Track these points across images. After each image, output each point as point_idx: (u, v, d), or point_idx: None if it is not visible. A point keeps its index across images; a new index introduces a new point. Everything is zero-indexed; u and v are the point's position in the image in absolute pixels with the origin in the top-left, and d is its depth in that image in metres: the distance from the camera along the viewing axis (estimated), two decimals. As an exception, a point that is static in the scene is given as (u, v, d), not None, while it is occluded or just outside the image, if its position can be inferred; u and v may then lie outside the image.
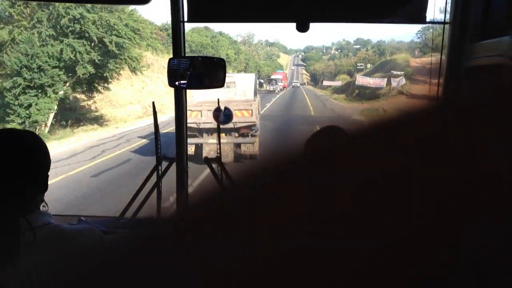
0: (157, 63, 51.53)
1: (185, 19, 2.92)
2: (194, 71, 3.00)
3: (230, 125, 14.40)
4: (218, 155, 3.69)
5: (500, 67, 2.27)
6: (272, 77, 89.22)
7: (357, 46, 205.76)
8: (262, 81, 75.83)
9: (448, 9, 2.69)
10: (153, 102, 3.74)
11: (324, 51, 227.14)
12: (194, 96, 15.08)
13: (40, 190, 1.80)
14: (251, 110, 15.65)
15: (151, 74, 47.40)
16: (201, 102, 14.88)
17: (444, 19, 2.70)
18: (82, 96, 32.09)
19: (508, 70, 2.14)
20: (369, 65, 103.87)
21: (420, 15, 2.75)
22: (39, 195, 1.80)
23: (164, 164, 3.47)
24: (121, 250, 0.26)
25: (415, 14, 2.77)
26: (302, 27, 2.83)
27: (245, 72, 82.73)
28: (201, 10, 2.89)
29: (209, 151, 14.71)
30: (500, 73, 2.29)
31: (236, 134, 15.56)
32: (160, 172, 3.50)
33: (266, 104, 41.19)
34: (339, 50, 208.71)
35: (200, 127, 14.74)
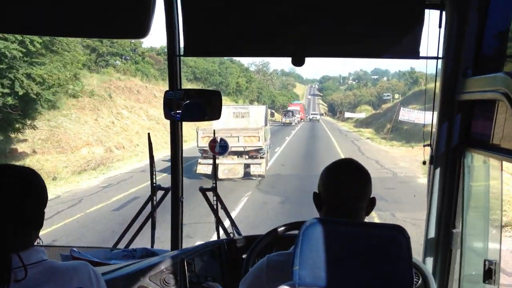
0: (145, 91, 47.13)
1: (181, 53, 3.03)
2: (190, 103, 3.10)
3: (241, 149, 20.07)
4: (214, 185, 3.74)
5: (493, 102, 2.34)
6: (289, 108, 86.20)
7: (375, 76, 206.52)
8: (273, 111, 73.17)
9: (441, 44, 2.78)
10: (148, 134, 3.83)
11: (341, 81, 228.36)
12: (213, 124, 20.11)
13: (35, 227, 1.82)
14: (259, 137, 20.41)
15: (133, 104, 42.51)
16: (218, 129, 19.40)
17: (437, 54, 2.79)
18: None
19: (502, 106, 2.21)
20: (397, 95, 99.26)
21: (413, 50, 2.84)
22: (34, 232, 1.83)
23: (159, 194, 3.56)
24: None
25: (409, 49, 2.86)
26: (298, 62, 2.94)
27: (258, 102, 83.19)
28: (197, 44, 3.00)
29: (223, 170, 19.78)
30: (493, 109, 2.37)
31: (246, 156, 20.42)
32: (154, 203, 3.58)
33: (276, 149, 31.73)
34: (356, 80, 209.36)
35: None
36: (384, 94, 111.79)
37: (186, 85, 57.66)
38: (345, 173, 2.08)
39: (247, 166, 20.54)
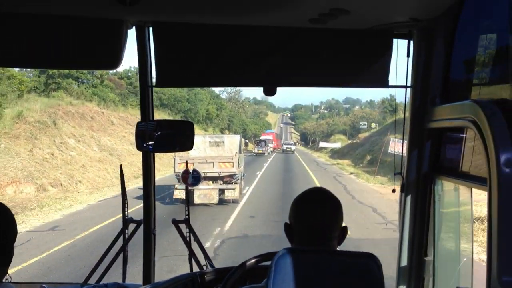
0: (101, 117, 43.34)
1: (153, 83, 3.06)
2: (162, 134, 3.11)
3: (215, 174, 21.70)
4: (187, 216, 3.73)
5: (461, 130, 2.41)
6: (262, 137, 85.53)
7: (347, 105, 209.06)
8: (247, 140, 71.45)
9: (410, 73, 2.87)
10: (120, 165, 3.82)
11: (313, 110, 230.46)
12: (190, 153, 21.52)
13: (4, 262, 1.80)
14: (233, 163, 22.20)
15: (84, 133, 37.85)
16: (193, 157, 21.79)
17: (406, 83, 2.87)
18: None
19: (470, 133, 2.28)
20: (374, 124, 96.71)
21: (383, 79, 2.92)
22: (2, 268, 1.81)
23: (131, 227, 3.52)
24: None
25: (378, 79, 2.94)
26: (269, 91, 2.99)
27: (229, 131, 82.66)
28: (169, 75, 3.03)
29: (199, 195, 21.28)
30: (462, 136, 2.44)
31: (221, 182, 22.02)
32: (126, 236, 3.54)
33: (244, 189, 26.82)
34: (328, 109, 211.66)
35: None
36: (360, 123, 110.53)
37: (159, 112, 55.17)
38: (315, 203, 2.09)
39: (221, 191, 22.11)
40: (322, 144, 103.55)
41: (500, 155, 1.60)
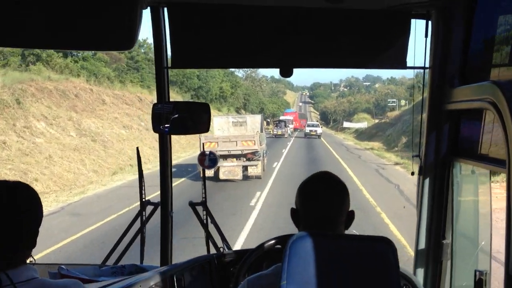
0: (89, 95, 36.75)
1: (169, 65, 3.09)
2: (179, 116, 3.15)
3: (239, 152, 23.33)
4: (204, 199, 3.78)
5: (480, 111, 2.42)
6: (281, 118, 78.45)
7: (367, 83, 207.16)
8: (268, 120, 69.87)
9: (428, 54, 2.87)
10: (137, 148, 3.88)
11: (333, 88, 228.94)
12: (214, 132, 25.15)
13: (28, 246, 1.85)
14: (254, 141, 23.65)
15: (61, 114, 31.08)
16: (217, 137, 24.20)
17: (424, 64, 2.87)
18: None
19: (489, 115, 2.29)
20: (403, 101, 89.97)
21: (401, 60, 2.92)
22: (27, 250, 1.85)
23: (149, 209, 3.58)
24: None
25: (396, 59, 2.94)
26: (286, 73, 3.01)
27: (245, 110, 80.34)
28: (185, 56, 3.05)
29: (224, 171, 23.23)
30: (481, 118, 2.45)
31: (244, 159, 23.64)
32: (144, 218, 3.61)
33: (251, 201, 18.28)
34: (348, 87, 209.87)
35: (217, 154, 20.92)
36: (389, 100, 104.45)
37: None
38: (321, 187, 2.11)
39: (245, 168, 23.92)
40: (346, 124, 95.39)
41: None
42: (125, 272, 3.29)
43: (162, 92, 3.19)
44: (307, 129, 71.19)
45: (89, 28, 2.78)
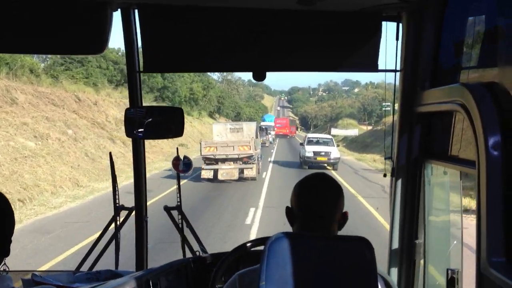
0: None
1: (141, 69, 3.13)
2: (152, 121, 3.20)
3: (235, 156, 26.17)
4: (179, 203, 3.83)
5: (451, 113, 2.51)
6: (262, 124, 68.01)
7: (346, 88, 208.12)
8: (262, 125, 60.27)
9: (399, 57, 2.96)
10: (110, 153, 3.91)
11: (311, 92, 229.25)
12: (213, 138, 28.70)
13: (3, 253, 1.85)
14: (250, 146, 26.55)
15: None
16: (216, 142, 27.18)
17: (395, 67, 2.95)
18: None
19: (459, 117, 2.38)
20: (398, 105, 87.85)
21: (372, 63, 3.00)
22: (1, 257, 1.85)
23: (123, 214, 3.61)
24: None
25: (367, 63, 3.02)
26: (259, 76, 3.07)
27: (219, 114, 78.08)
28: (157, 60, 3.09)
29: (222, 173, 25.92)
30: (451, 120, 2.54)
31: (240, 162, 26.35)
32: (118, 223, 3.64)
33: None
34: (327, 92, 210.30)
35: (216, 157, 25.82)
36: (384, 104, 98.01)
37: (112, 91, 42.77)
38: (317, 187, 2.16)
39: (241, 170, 26.49)
40: (334, 131, 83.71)
41: (489, 138, 1.68)
42: (100, 277, 3.31)
43: (134, 97, 3.22)
44: (311, 150, 34.69)
45: (58, 32, 2.80)
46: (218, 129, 30.12)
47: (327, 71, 3.24)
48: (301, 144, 38.50)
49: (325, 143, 36.59)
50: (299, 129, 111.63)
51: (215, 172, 25.99)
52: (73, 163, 25.56)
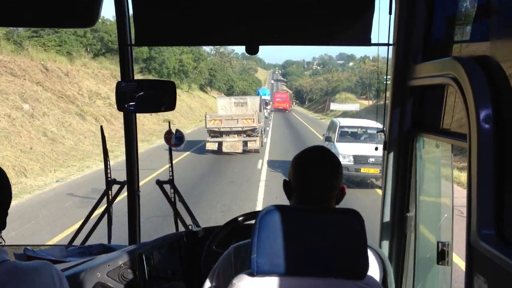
0: None
1: (133, 42, 3.13)
2: (144, 95, 3.21)
3: (239, 129, 27.39)
4: (171, 177, 3.86)
5: (442, 87, 2.54)
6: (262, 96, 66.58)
7: (341, 61, 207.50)
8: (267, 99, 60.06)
9: (392, 31, 2.98)
10: (101, 126, 3.93)
11: (305, 66, 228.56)
12: (218, 112, 29.65)
13: None
14: (253, 119, 27.70)
15: None
16: (221, 115, 28.18)
17: (388, 41, 2.96)
18: None
19: (451, 90, 2.41)
20: None
21: (365, 37, 3.01)
22: None
23: (115, 188, 3.65)
24: None
25: (360, 36, 3.03)
26: (252, 50, 3.09)
27: (210, 88, 76.64)
28: (149, 33, 3.09)
29: (226, 145, 27.10)
30: (443, 93, 2.57)
31: (244, 135, 27.57)
32: (110, 197, 3.67)
33: None
34: (321, 65, 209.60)
35: (220, 130, 26.90)
36: (385, 77, 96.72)
37: (89, 61, 38.38)
38: (315, 161, 2.15)
39: (245, 143, 27.66)
40: (333, 106, 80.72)
41: (480, 111, 1.69)
42: (93, 252, 3.35)
43: (126, 70, 3.23)
44: (349, 153, 18.16)
45: (49, 4, 2.78)
46: (223, 103, 31.08)
47: (320, 45, 3.25)
48: (327, 138, 21.17)
49: (372, 137, 19.59)
50: (294, 103, 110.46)
51: (220, 144, 27.15)
52: (23, 146, 21.01)
